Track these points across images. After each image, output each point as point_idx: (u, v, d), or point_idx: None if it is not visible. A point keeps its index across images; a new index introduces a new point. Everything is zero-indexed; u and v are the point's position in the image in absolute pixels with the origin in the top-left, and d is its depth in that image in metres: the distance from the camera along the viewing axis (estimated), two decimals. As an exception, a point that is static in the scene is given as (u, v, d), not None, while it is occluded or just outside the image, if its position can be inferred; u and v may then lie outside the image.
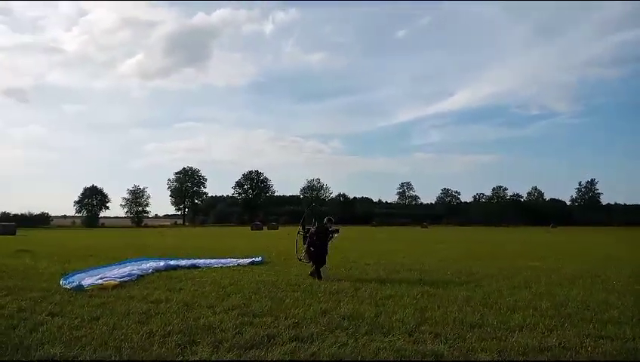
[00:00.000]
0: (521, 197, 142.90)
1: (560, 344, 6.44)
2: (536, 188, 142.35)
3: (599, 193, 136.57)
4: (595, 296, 10.27)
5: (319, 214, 15.42)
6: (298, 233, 15.15)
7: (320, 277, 12.82)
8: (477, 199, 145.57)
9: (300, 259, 14.99)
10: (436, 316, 8.08)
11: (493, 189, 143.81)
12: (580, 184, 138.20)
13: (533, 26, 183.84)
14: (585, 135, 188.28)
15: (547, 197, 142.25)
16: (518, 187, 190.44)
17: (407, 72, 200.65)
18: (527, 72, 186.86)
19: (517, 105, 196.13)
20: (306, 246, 13.89)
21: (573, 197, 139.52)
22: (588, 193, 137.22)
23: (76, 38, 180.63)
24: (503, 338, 6.74)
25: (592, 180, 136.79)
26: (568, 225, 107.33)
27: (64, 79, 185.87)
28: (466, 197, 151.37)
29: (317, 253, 13.23)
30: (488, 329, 7.20)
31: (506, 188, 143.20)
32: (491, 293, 10.58)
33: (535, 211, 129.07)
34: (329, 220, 13.90)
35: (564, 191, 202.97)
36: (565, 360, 5.84)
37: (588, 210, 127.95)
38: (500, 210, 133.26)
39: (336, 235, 13.94)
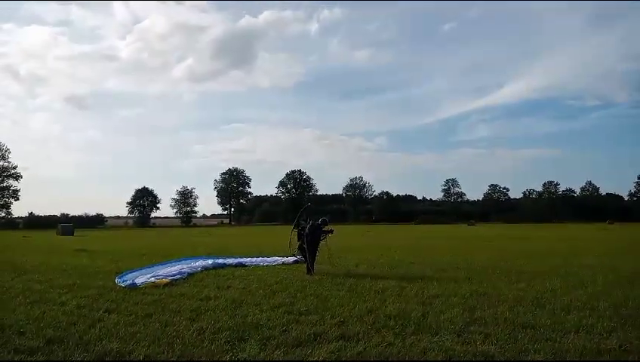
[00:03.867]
0: (574, 192, 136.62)
1: (620, 346, 6.12)
2: (590, 183, 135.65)
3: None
4: (659, 297, 9.67)
5: (316, 214, 16.07)
6: (292, 230, 15.90)
7: (311, 273, 13.49)
8: (527, 195, 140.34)
9: (294, 255, 16.08)
10: (486, 316, 7.86)
11: (544, 185, 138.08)
12: (638, 177, 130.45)
13: (589, 13, 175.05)
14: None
15: (603, 191, 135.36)
16: (571, 182, 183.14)
17: (454, 65, 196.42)
18: (583, 62, 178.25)
19: (571, 96, 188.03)
20: (299, 242, 14.63)
21: (632, 191, 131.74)
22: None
23: (130, 45, 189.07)
24: (558, 339, 6.47)
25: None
26: (627, 221, 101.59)
27: (119, 85, 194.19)
28: (516, 193, 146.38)
29: (309, 249, 13.83)
30: (542, 330, 6.94)
31: (558, 184, 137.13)
32: (544, 293, 10.18)
33: (590, 207, 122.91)
34: (323, 221, 14.47)
35: (622, 186, 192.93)
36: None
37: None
38: (552, 206, 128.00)
39: (329, 235, 14.63)
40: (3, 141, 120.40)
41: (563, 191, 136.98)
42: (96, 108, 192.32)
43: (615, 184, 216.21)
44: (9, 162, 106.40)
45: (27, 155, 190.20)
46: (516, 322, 7.44)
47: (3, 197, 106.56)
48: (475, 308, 8.50)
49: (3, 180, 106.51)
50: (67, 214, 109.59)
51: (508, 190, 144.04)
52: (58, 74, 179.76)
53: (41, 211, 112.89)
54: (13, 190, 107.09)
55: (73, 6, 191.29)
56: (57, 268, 15.60)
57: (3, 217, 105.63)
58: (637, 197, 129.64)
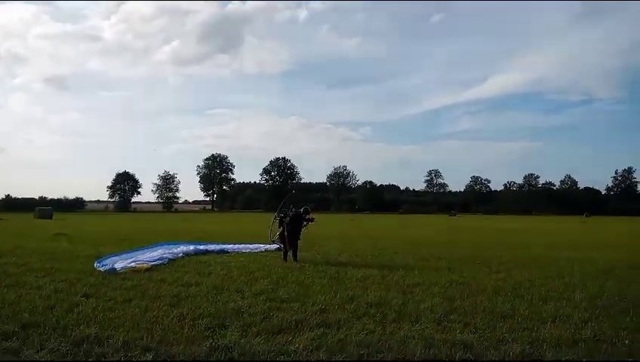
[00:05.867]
0: (554, 185, 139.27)
1: (595, 336, 6.25)
2: (569, 177, 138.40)
3: (637, 181, 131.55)
4: (633, 288, 9.92)
5: (299, 202, 16.19)
6: (275, 218, 15.97)
7: (295, 259, 13.60)
8: (508, 187, 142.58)
9: (273, 242, 16.23)
10: (465, 305, 7.97)
11: (525, 177, 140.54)
12: (616, 172, 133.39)
13: (575, 9, 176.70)
14: (627, 121, 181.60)
15: (581, 185, 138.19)
16: (551, 175, 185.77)
17: (441, 58, 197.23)
18: (567, 57, 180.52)
19: (554, 91, 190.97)
20: (280, 230, 14.72)
21: (609, 185, 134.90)
22: (625, 182, 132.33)
23: (115, 27, 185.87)
24: (535, 329, 6.59)
25: (630, 168, 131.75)
26: (603, 214, 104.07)
27: (102, 67, 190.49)
28: (497, 185, 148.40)
29: (290, 237, 13.91)
30: (519, 320, 7.06)
31: (538, 176, 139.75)
32: (522, 283, 10.36)
33: (568, 200, 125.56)
34: (305, 210, 14.71)
35: (600, 180, 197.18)
36: (600, 358, 5.65)
37: (624, 199, 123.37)
38: (531, 199, 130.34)
39: (310, 223, 14.89)
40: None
41: (543, 183, 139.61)
42: (77, 90, 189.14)
43: (594, 178, 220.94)
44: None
45: (5, 136, 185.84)
46: (495, 311, 7.55)
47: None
48: (454, 298, 8.60)
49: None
50: (45, 197, 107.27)
51: (489, 182, 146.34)
52: (39, 53, 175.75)
53: (18, 194, 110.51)
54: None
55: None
56: (35, 251, 15.30)
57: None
58: (614, 191, 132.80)
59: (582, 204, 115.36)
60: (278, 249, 16.64)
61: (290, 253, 13.87)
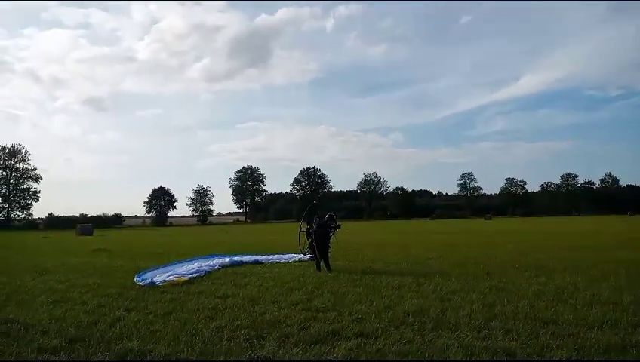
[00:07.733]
0: (594, 184, 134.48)
1: (646, 342, 5.97)
2: (610, 175, 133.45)
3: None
4: (684, 290, 9.43)
5: (322, 210, 15.93)
6: (300, 229, 15.95)
7: (328, 268, 13.52)
8: (544, 188, 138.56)
9: (305, 254, 16.05)
10: (506, 311, 7.75)
11: (562, 177, 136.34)
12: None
13: (605, 3, 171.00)
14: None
15: (623, 183, 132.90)
16: (590, 174, 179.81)
17: (470, 59, 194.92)
18: (603, 51, 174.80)
19: (591, 86, 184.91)
20: (309, 241, 14.64)
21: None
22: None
23: (149, 47, 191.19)
24: (581, 335, 6.34)
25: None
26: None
27: (137, 86, 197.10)
28: (533, 186, 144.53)
29: (320, 247, 13.80)
30: (564, 326, 6.81)
31: (576, 176, 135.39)
32: (565, 287, 10.01)
33: (610, 199, 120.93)
34: (330, 217, 14.52)
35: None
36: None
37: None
38: (570, 199, 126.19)
39: (337, 230, 14.72)
40: (23, 143, 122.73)
41: (582, 183, 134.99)
42: (114, 110, 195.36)
43: (637, 175, 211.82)
44: (29, 164, 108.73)
45: (47, 157, 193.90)
46: (537, 317, 7.32)
47: (24, 198, 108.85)
48: (494, 304, 8.39)
49: (23, 182, 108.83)
50: (86, 214, 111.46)
51: (525, 183, 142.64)
52: (78, 76, 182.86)
53: (60, 212, 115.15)
54: (33, 191, 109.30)
55: (93, 9, 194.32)
56: (77, 267, 15.84)
57: (24, 218, 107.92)
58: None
59: (625, 202, 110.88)
60: (312, 258, 16.68)
61: (322, 263, 13.84)
